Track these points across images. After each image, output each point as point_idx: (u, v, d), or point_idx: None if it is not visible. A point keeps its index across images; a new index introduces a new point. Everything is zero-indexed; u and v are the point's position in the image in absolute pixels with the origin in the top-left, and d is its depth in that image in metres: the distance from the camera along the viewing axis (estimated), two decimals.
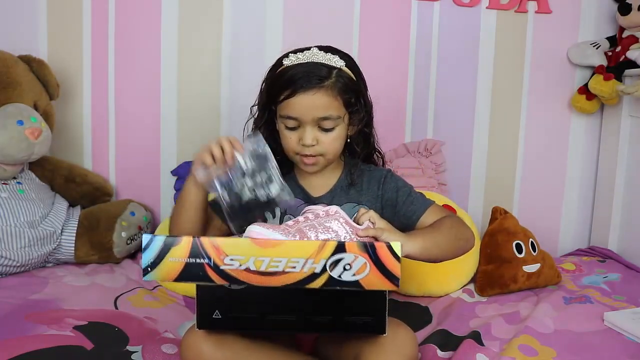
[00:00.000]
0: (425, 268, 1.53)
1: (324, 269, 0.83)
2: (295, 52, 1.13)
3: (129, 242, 1.66)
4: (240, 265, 0.83)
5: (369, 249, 0.83)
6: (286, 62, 1.12)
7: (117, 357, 1.11)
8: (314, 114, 1.08)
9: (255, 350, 1.00)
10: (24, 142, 1.51)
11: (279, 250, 0.83)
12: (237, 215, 1.01)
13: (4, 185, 1.54)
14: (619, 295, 1.51)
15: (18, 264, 1.48)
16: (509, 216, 1.63)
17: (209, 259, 0.83)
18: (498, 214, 1.63)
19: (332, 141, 1.11)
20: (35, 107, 1.60)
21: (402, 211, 1.16)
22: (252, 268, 0.83)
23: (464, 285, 1.58)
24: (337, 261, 0.83)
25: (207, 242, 0.83)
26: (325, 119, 1.09)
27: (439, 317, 1.40)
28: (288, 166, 1.20)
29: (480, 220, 1.93)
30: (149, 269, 0.84)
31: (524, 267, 1.54)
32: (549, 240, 1.92)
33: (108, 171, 1.85)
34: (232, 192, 1.00)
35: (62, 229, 1.59)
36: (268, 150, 1.02)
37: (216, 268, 0.83)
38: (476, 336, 1.24)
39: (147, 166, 1.85)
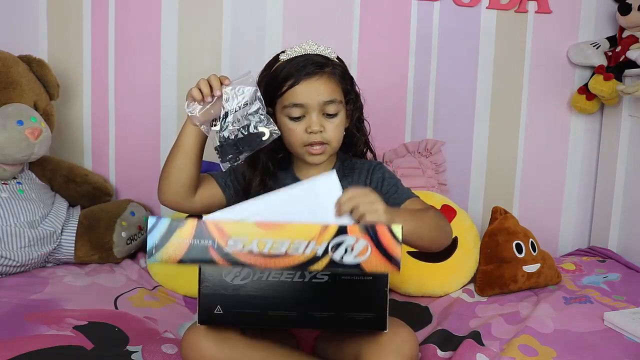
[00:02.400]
0: (425, 268, 1.54)
1: (325, 252, 0.84)
2: (290, 48, 1.15)
3: (129, 242, 1.66)
4: (244, 247, 0.84)
5: (371, 232, 0.84)
6: (283, 57, 1.14)
7: (117, 357, 1.11)
8: (319, 98, 1.09)
9: (255, 348, 1.00)
10: (24, 142, 1.51)
11: (282, 232, 0.84)
12: (225, 152, 1.01)
13: (4, 185, 1.54)
14: (619, 295, 1.51)
15: (18, 264, 1.48)
16: (509, 216, 1.63)
17: (213, 241, 0.84)
18: (498, 214, 1.63)
19: (335, 128, 1.12)
20: (35, 107, 1.60)
21: (384, 200, 1.15)
22: (256, 250, 0.84)
23: (464, 285, 1.58)
24: (339, 244, 0.84)
25: (211, 224, 0.85)
26: (330, 102, 1.10)
27: (439, 317, 1.40)
28: (287, 162, 1.20)
29: (480, 220, 1.93)
30: (154, 251, 0.85)
31: (524, 267, 1.53)
32: (549, 240, 1.91)
33: (108, 171, 1.85)
34: (220, 128, 1.01)
35: (62, 229, 1.59)
36: (256, 87, 1.02)
37: (220, 250, 0.85)
38: (476, 336, 1.24)
39: (147, 166, 1.85)
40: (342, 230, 0.84)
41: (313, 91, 1.09)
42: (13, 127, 1.50)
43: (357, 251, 0.84)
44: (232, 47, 1.83)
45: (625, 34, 1.86)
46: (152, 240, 0.85)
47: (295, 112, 1.10)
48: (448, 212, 1.64)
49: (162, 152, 1.85)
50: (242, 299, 0.93)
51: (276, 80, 1.11)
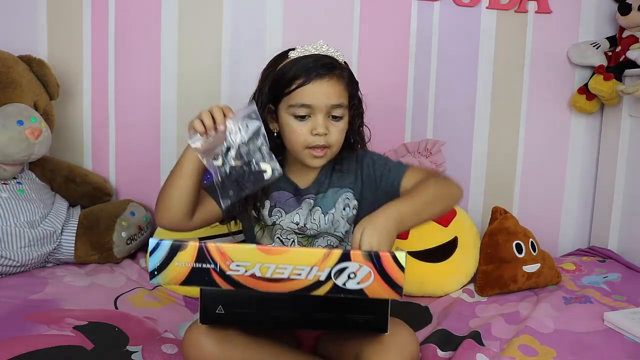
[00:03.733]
0: (425, 268, 1.54)
1: (328, 277, 0.83)
2: (300, 46, 1.13)
3: (129, 242, 1.66)
4: (246, 271, 0.84)
5: (374, 259, 0.83)
6: (293, 54, 1.11)
7: (117, 357, 1.11)
8: (328, 102, 1.08)
9: (256, 347, 1.00)
10: (24, 142, 1.51)
11: (285, 258, 0.84)
12: (226, 188, 0.99)
13: (4, 185, 1.54)
14: (619, 295, 1.51)
15: (18, 264, 1.48)
16: (509, 216, 1.63)
17: (215, 264, 0.84)
18: (498, 214, 1.63)
19: (339, 132, 1.12)
20: (35, 107, 1.60)
21: (383, 182, 1.15)
22: (258, 274, 0.84)
23: (464, 285, 1.58)
24: (342, 270, 0.83)
25: (213, 247, 0.84)
26: (337, 106, 1.10)
27: (439, 317, 1.40)
28: (280, 163, 1.19)
29: (480, 220, 1.93)
30: (156, 272, 0.84)
31: (524, 267, 1.54)
32: (549, 240, 1.91)
33: (108, 171, 1.85)
34: (222, 163, 0.98)
35: (62, 229, 1.59)
36: (260, 122, 0.99)
37: (222, 273, 0.84)
38: (476, 336, 1.24)
39: (147, 166, 1.85)
40: (345, 257, 0.83)
41: (323, 93, 1.08)
42: (13, 127, 1.50)
43: (360, 277, 0.83)
44: (232, 47, 1.83)
45: (625, 34, 1.86)
46: (153, 262, 0.84)
47: (302, 112, 1.09)
48: (448, 212, 1.64)
49: (162, 152, 1.85)
50: (244, 299, 0.93)
51: (284, 77, 1.09)
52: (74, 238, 1.59)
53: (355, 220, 1.17)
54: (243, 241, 1.27)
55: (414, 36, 1.89)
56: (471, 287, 1.58)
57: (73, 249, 1.59)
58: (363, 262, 0.83)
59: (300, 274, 0.83)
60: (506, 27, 1.92)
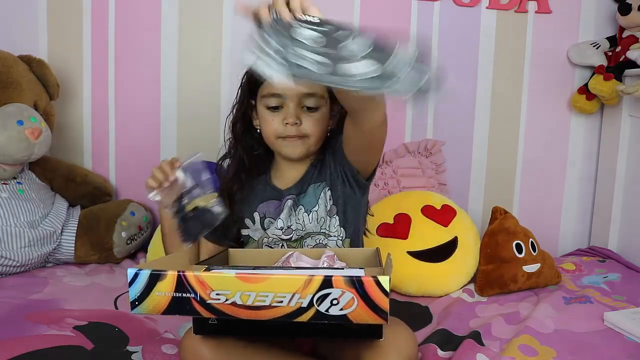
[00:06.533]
0: (425, 268, 1.54)
1: (310, 304, 0.82)
2: None
3: (129, 242, 1.66)
4: (227, 299, 0.83)
5: (357, 284, 0.81)
6: None
7: (117, 357, 1.11)
8: (298, 90, 1.07)
9: (253, 351, 1.00)
10: (24, 142, 1.51)
11: (265, 285, 0.82)
12: (185, 230, 1.05)
13: (4, 185, 1.54)
14: (619, 295, 1.51)
15: (18, 264, 1.48)
16: (509, 216, 1.63)
17: (195, 293, 0.83)
18: (498, 214, 1.63)
19: (314, 122, 1.10)
20: (35, 107, 1.60)
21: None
22: (239, 302, 0.83)
23: (464, 285, 1.58)
24: (324, 296, 0.82)
25: (192, 277, 0.83)
26: (310, 95, 1.08)
27: (439, 317, 1.40)
28: (265, 166, 1.19)
29: (480, 220, 1.93)
30: (137, 302, 0.84)
31: (524, 267, 1.53)
32: (549, 240, 1.91)
33: (108, 171, 1.85)
34: (177, 209, 1.05)
35: (62, 229, 1.59)
36: (203, 166, 1.05)
37: (203, 302, 0.83)
38: (476, 336, 1.24)
39: (147, 166, 1.83)
40: (327, 283, 0.81)
41: None
42: (13, 127, 1.50)
43: (342, 304, 0.81)
44: (232, 46, 1.83)
45: (625, 34, 1.86)
46: (133, 292, 0.84)
47: (272, 102, 1.09)
48: (448, 212, 1.64)
49: (162, 152, 1.85)
50: None
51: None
52: (74, 238, 1.60)
53: (335, 212, 1.14)
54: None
55: (414, 36, 1.89)
56: (471, 287, 1.57)
57: (73, 249, 1.59)
58: (345, 288, 0.81)
59: (281, 302, 0.82)
60: (506, 27, 1.92)
